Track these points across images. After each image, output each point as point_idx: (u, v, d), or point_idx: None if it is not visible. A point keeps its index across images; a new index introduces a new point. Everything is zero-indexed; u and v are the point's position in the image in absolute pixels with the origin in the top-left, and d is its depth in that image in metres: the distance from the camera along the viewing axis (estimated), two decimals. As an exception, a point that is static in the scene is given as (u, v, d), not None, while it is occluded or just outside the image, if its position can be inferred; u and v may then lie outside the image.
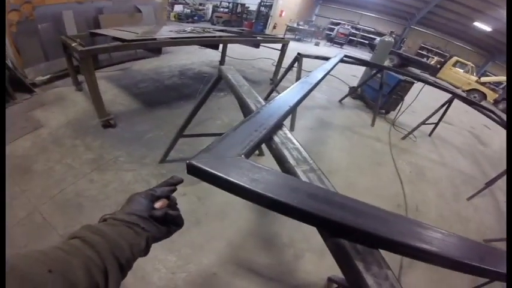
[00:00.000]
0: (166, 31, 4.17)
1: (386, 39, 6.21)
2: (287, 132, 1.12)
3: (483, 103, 10.04)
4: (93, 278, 0.45)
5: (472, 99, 4.96)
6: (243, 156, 0.78)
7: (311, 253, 2.31)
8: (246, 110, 1.43)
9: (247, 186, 0.63)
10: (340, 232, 0.62)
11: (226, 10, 17.19)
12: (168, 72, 5.77)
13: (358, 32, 21.73)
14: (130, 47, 3.33)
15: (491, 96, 13.40)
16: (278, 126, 1.11)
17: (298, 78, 3.78)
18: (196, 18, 15.65)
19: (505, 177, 3.41)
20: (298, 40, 17.13)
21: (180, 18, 14.63)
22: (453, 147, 5.57)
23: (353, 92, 6.29)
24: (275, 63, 6.01)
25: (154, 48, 3.81)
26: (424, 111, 5.56)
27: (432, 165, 4.47)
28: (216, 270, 2.02)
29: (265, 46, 6.01)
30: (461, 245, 0.65)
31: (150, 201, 0.65)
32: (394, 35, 13.65)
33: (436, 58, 17.70)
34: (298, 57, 4.00)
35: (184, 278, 1.93)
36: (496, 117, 4.16)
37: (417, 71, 14.86)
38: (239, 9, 16.93)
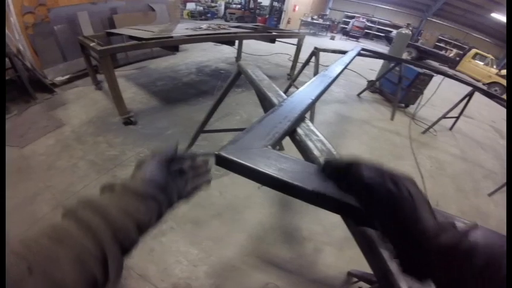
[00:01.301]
0: (182, 29, 4.21)
1: (404, 32, 6.11)
2: (310, 124, 1.12)
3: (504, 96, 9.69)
4: (88, 271, 0.37)
5: (493, 92, 4.81)
6: (269, 147, 0.79)
7: (331, 247, 2.31)
8: (267, 104, 1.43)
9: (275, 175, 0.64)
10: (366, 221, 0.61)
11: (239, 6, 17.13)
12: (185, 70, 5.83)
13: (373, 25, 21.33)
14: (147, 45, 3.38)
15: None
16: (301, 118, 1.12)
17: (316, 72, 3.73)
18: (209, 15, 15.66)
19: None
20: (313, 34, 16.95)
21: (193, 15, 14.67)
22: (474, 141, 5.43)
23: (371, 86, 6.21)
24: (291, 58, 5.98)
25: (171, 46, 3.83)
26: (444, 105, 5.47)
27: (453, 160, 4.38)
28: (237, 263, 2.05)
29: (280, 41, 5.98)
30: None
31: (171, 164, 0.59)
32: (411, 28, 13.39)
33: (454, 50, 17.20)
34: (315, 52, 3.95)
35: (206, 270, 1.96)
36: None
37: (435, 64, 14.48)
38: (252, 5, 16.86)
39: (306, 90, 1.39)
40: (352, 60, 2.92)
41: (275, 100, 1.36)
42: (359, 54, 3.89)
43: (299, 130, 1.06)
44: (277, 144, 0.86)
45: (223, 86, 2.19)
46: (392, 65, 5.38)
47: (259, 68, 1.81)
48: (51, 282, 0.33)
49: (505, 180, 3.68)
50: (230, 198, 2.60)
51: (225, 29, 4.55)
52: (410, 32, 6.22)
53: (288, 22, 16.57)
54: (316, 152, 0.92)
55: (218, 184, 2.69)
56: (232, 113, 4.05)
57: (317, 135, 1.03)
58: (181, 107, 4.08)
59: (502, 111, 4.28)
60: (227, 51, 7.22)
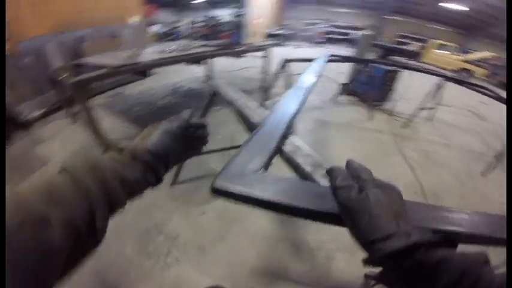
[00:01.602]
0: (150, 53, 4.17)
1: (367, 33, 6.34)
2: (295, 139, 1.12)
3: (474, 80, 10.24)
4: (76, 232, 0.41)
5: (463, 79, 5.04)
6: (263, 169, 0.77)
7: (342, 252, 2.30)
8: (247, 122, 1.42)
9: (276, 200, 0.63)
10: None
11: (203, 24, 17.33)
12: (160, 93, 5.80)
13: (335, 29, 22.00)
14: (118, 73, 3.32)
15: (480, 72, 13.69)
16: (286, 135, 1.12)
17: (289, 83, 3.82)
18: (175, 35, 15.71)
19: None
20: (279, 45, 17.28)
21: (160, 37, 14.66)
22: (455, 127, 5.69)
23: (347, 89, 6.34)
24: (261, 71, 6.04)
25: (140, 71, 3.79)
26: (418, 98, 5.64)
27: (440, 148, 4.55)
28: (254, 285, 2.01)
29: (248, 55, 6.05)
30: (488, 221, 0.65)
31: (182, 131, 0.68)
32: (371, 27, 13.91)
33: (417, 44, 17.99)
34: (285, 63, 4.01)
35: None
36: (489, 92, 4.29)
37: (402, 59, 15.06)
38: (214, 22, 17.13)
39: (285, 105, 1.39)
40: (322, 67, 2.94)
41: (256, 118, 1.36)
42: (329, 61, 3.95)
43: (286, 147, 1.06)
44: (269, 165, 0.84)
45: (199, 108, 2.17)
46: (361, 66, 5.53)
47: (233, 85, 1.81)
48: (39, 241, 0.36)
49: (493, 159, 3.93)
50: (230, 219, 2.55)
51: (193, 48, 4.54)
52: (373, 32, 6.46)
53: (253, 36, 16.79)
54: (308, 168, 0.93)
55: (214, 207, 2.65)
56: (213, 133, 3.98)
57: (305, 149, 1.04)
58: None
59: (477, 96, 4.51)
60: (198, 70, 7.23)
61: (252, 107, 1.48)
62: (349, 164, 0.56)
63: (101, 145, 3.25)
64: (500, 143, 4.60)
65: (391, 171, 3.67)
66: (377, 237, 0.42)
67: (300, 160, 0.96)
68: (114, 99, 5.37)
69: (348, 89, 6.45)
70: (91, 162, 0.49)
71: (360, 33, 7.33)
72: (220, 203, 2.66)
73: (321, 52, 4.35)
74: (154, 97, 5.57)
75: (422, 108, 5.05)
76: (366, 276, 2.02)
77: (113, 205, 0.48)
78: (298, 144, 1.08)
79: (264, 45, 5.85)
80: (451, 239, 0.45)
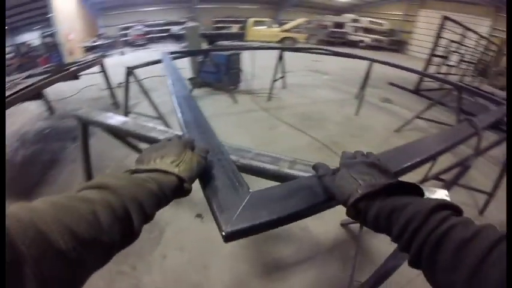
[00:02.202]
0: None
1: (191, 25, 6.40)
2: (225, 149, 1.00)
3: (300, 45, 11.80)
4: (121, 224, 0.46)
5: (288, 46, 5.86)
6: (247, 191, 0.74)
7: (311, 220, 2.30)
8: (146, 139, 1.26)
9: (274, 217, 0.65)
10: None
11: (13, 55, 14.40)
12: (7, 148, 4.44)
13: (153, 28, 21.64)
14: None
15: (300, 37, 16.14)
16: (220, 150, 0.98)
17: (144, 91, 3.71)
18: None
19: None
20: (103, 56, 15.87)
21: None
22: (309, 86, 6.72)
23: (197, 83, 6.26)
24: (102, 87, 5.54)
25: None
26: (266, 73, 6.13)
27: (310, 107, 5.26)
28: None
29: (83, 74, 5.27)
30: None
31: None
32: (191, 19, 14.22)
33: (235, 25, 19.41)
34: (130, 71, 3.72)
35: None
36: (319, 51, 5.44)
37: (227, 43, 15.99)
38: (26, 49, 14.49)
39: (190, 113, 1.29)
40: (173, 65, 2.78)
41: (154, 133, 1.24)
42: (174, 58, 3.80)
43: (241, 161, 1.00)
44: (246, 185, 0.77)
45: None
46: (201, 57, 5.66)
47: (101, 110, 1.50)
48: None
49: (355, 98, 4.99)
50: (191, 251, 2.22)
51: (19, 84, 3.60)
52: (198, 23, 6.57)
53: (71, 53, 14.95)
54: (272, 167, 0.96)
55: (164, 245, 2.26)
56: (109, 166, 3.33)
57: (250, 150, 1.04)
58: (44, 190, 3.01)
59: (309, 56, 5.29)
60: (33, 107, 5.88)
61: (150, 129, 1.28)
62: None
63: None
64: (353, 86, 5.91)
65: (285, 140, 3.97)
66: (343, 199, 0.59)
67: (260, 164, 0.97)
68: None
69: (197, 82, 6.39)
70: (141, 189, 0.53)
71: (178, 27, 7.41)
72: (168, 235, 2.33)
73: (148, 54, 4.14)
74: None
75: (275, 80, 5.56)
76: (342, 224, 2.38)
77: (146, 216, 0.53)
78: (244, 149, 1.05)
79: (95, 59, 5.23)
80: (403, 187, 0.55)
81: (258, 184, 0.80)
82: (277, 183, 0.79)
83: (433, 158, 1.22)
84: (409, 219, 0.46)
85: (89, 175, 1.86)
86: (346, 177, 0.62)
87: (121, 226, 0.46)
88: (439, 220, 0.43)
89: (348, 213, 0.60)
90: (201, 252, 2.17)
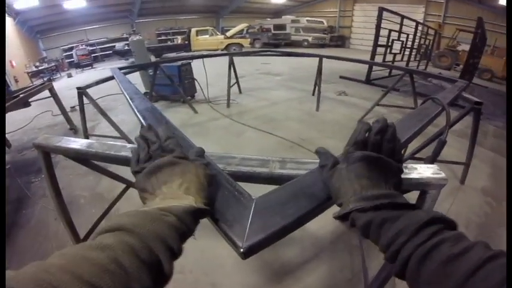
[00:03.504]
0: None
1: (136, 39, 6.21)
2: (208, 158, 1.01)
3: (246, 49, 11.92)
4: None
5: (232, 51, 5.92)
6: (250, 199, 0.69)
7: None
8: (119, 160, 1.14)
9: (290, 221, 0.62)
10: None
11: None
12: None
13: (96, 47, 20.82)
14: None
15: (245, 42, 16.30)
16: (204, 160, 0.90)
17: (101, 111, 3.46)
18: None
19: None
20: (50, 80, 14.93)
21: None
22: (265, 89, 6.82)
23: (153, 97, 6.06)
24: (55, 113, 5.25)
25: None
26: (220, 80, 6.20)
27: (271, 108, 5.34)
28: None
29: (33, 100, 4.91)
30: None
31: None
32: (130, 34, 13.87)
33: (179, 37, 19.22)
34: (83, 91, 3.46)
35: None
36: (268, 53, 5.76)
37: (173, 54, 15.79)
38: None
39: (156, 127, 1.14)
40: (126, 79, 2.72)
41: (124, 152, 1.11)
42: (124, 73, 3.66)
43: (228, 168, 0.94)
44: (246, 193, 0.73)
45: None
46: (151, 71, 5.45)
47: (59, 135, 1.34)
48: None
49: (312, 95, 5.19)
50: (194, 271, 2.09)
51: None
52: (141, 37, 6.40)
53: (16, 81, 13.93)
54: (264, 170, 0.92)
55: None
56: (82, 196, 3.03)
57: (234, 156, 0.99)
58: (20, 232, 2.58)
59: (257, 60, 5.19)
60: None
61: (109, 144, 1.18)
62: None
63: None
64: (306, 83, 6.28)
65: (254, 143, 3.97)
66: (336, 203, 0.60)
67: (254, 169, 0.93)
68: None
69: (153, 96, 6.20)
70: (161, 224, 0.48)
71: (122, 44, 7.17)
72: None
73: (97, 73, 3.98)
74: None
75: (230, 86, 5.50)
76: (335, 217, 2.24)
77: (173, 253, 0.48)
78: (227, 156, 1.00)
79: (44, 83, 4.92)
80: (396, 204, 0.53)
81: (248, 190, 0.75)
82: (271, 187, 0.76)
83: (411, 139, 1.24)
84: (399, 231, 0.46)
85: (62, 209, 1.67)
86: (342, 179, 0.60)
87: (150, 269, 0.41)
88: (430, 234, 0.43)
89: (337, 217, 0.59)
90: (205, 271, 2.05)
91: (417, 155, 2.31)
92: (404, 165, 0.87)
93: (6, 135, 4.54)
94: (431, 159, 1.66)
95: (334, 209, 0.59)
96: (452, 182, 2.81)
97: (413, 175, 0.86)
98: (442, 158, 2.76)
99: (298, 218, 0.62)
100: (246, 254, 0.55)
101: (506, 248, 0.39)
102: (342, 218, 0.57)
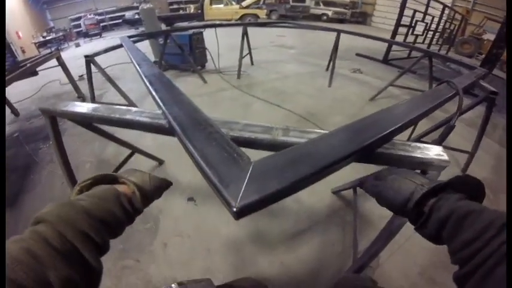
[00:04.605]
0: None
1: (146, 7, 6.11)
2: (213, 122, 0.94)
3: (262, 20, 11.69)
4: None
5: (248, 22, 5.74)
6: (249, 162, 0.69)
7: (302, 192, 2.36)
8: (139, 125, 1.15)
9: (286, 185, 0.62)
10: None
11: None
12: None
13: (105, 16, 20.62)
14: None
15: (261, 13, 15.81)
16: (206, 121, 0.93)
17: (109, 79, 3.53)
18: None
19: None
20: (58, 50, 14.96)
21: None
22: (277, 62, 6.74)
23: (161, 66, 6.04)
24: (63, 81, 5.33)
25: None
26: (231, 51, 6.12)
27: (282, 81, 5.30)
28: None
29: (41, 69, 4.96)
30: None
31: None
32: (140, 2, 13.68)
33: (191, 6, 18.88)
34: (90, 59, 3.48)
35: None
36: (284, 24, 5.42)
37: (186, 24, 15.57)
38: None
39: (163, 92, 1.19)
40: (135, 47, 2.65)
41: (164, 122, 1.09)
42: (134, 41, 3.64)
43: (231, 133, 0.97)
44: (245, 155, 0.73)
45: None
46: (161, 39, 5.44)
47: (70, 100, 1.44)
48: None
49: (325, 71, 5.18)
50: (192, 236, 2.18)
51: None
52: (151, 5, 6.28)
53: (24, 51, 14.05)
54: (267, 137, 0.94)
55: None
56: (89, 162, 3.17)
57: (237, 122, 1.01)
58: (27, 196, 2.70)
59: (272, 32, 5.03)
60: None
61: (115, 108, 1.22)
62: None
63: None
64: (320, 58, 6.16)
65: (262, 115, 3.97)
66: (403, 199, 0.60)
67: (256, 135, 0.95)
68: None
69: (162, 66, 6.17)
70: (71, 209, 0.48)
71: (132, 12, 7.06)
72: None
73: (105, 43, 3.95)
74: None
75: (242, 57, 5.45)
76: (333, 192, 2.45)
77: (101, 247, 0.49)
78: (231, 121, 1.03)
79: (51, 53, 4.98)
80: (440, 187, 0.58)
81: (249, 155, 0.75)
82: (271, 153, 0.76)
83: (420, 118, 1.23)
84: (486, 226, 0.46)
85: (69, 174, 1.76)
86: (399, 179, 0.63)
87: (66, 257, 0.41)
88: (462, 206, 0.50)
89: (405, 215, 0.61)
90: (202, 236, 2.12)
91: (424, 139, 2.32)
92: (408, 143, 0.93)
93: (15, 104, 4.68)
94: (438, 143, 1.66)
95: (331, 182, 0.59)
96: (454, 169, 2.82)
97: (416, 154, 0.87)
98: (448, 144, 2.80)
99: (293, 183, 0.62)
100: (239, 214, 0.56)
101: (506, 247, 0.41)
102: (415, 209, 0.58)
